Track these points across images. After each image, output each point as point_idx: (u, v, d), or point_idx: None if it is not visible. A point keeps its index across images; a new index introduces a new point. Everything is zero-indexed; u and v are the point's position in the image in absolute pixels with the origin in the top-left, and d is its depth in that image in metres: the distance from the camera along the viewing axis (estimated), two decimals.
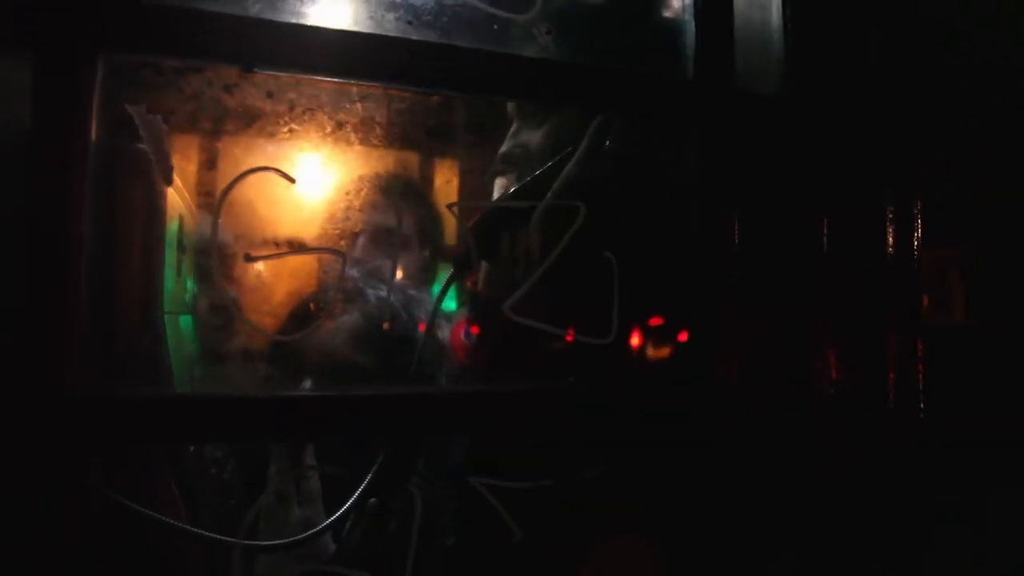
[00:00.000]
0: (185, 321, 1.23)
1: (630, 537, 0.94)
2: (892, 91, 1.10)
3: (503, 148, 1.14)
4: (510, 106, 1.15)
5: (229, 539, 0.81)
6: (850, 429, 1.05)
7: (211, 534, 0.83)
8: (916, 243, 1.14)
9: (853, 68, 1.09)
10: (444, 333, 1.35)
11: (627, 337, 0.95)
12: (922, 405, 1.13)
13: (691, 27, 0.98)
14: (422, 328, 1.38)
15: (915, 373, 1.12)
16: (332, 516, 1.04)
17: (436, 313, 1.21)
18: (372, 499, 1.07)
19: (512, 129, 1.14)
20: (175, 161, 0.96)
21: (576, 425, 0.92)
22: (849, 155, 1.08)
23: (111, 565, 0.77)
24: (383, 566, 0.91)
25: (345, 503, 1.03)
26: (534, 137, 1.10)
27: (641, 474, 0.95)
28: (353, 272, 1.44)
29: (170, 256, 1.06)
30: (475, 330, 1.27)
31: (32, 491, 0.67)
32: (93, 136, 0.73)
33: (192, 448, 1.05)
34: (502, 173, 1.17)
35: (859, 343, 1.07)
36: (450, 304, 1.66)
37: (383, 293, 1.36)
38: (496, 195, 1.16)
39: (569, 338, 0.93)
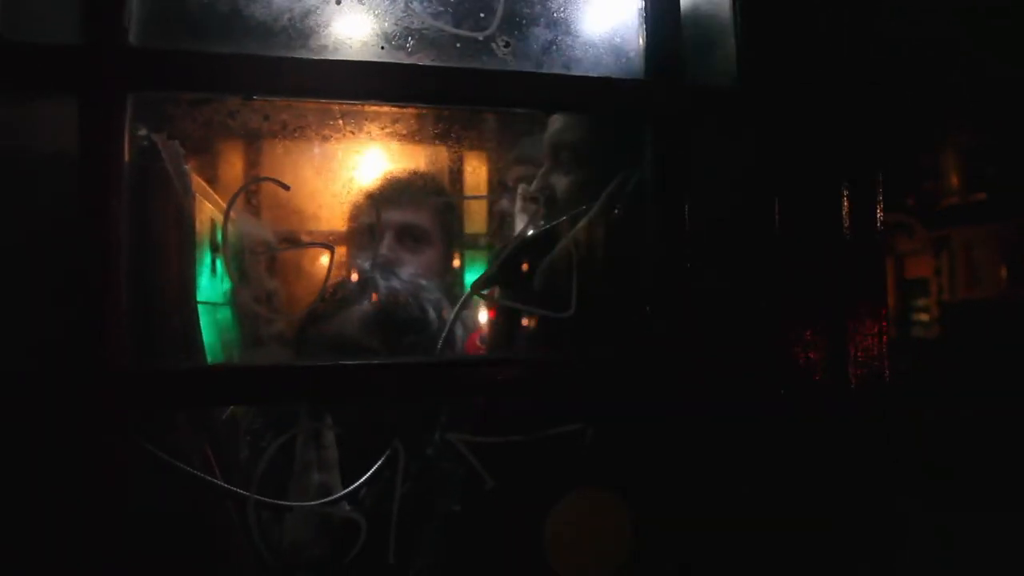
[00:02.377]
0: (223, 311, 1.42)
1: (599, 487, 1.06)
2: (846, 73, 1.17)
3: (532, 187, 1.28)
4: (545, 146, 1.29)
5: (246, 493, 0.98)
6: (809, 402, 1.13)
7: (231, 487, 1.00)
8: (878, 222, 1.20)
9: (807, 54, 1.16)
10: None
11: (586, 312, 1.07)
12: (886, 383, 1.19)
13: (641, 28, 1.08)
14: (444, 313, 1.53)
15: (880, 354, 1.18)
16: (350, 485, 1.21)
17: (452, 327, 1.35)
18: None
19: (543, 169, 1.28)
20: (210, 174, 1.14)
21: (548, 388, 1.05)
22: (806, 140, 1.16)
23: (149, 517, 0.95)
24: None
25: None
26: (561, 182, 1.24)
27: (607, 433, 1.08)
28: (366, 265, 1.60)
29: (204, 254, 1.24)
30: (492, 313, 1.41)
31: (78, 448, 0.85)
32: (126, 158, 0.91)
33: (227, 419, 1.23)
34: (525, 210, 1.32)
35: (817, 322, 1.15)
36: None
37: (392, 283, 1.51)
38: (519, 227, 1.31)
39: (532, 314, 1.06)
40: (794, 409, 1.12)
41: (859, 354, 1.17)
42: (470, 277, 1.85)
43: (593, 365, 1.02)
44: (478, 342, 1.36)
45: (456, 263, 1.85)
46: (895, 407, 1.20)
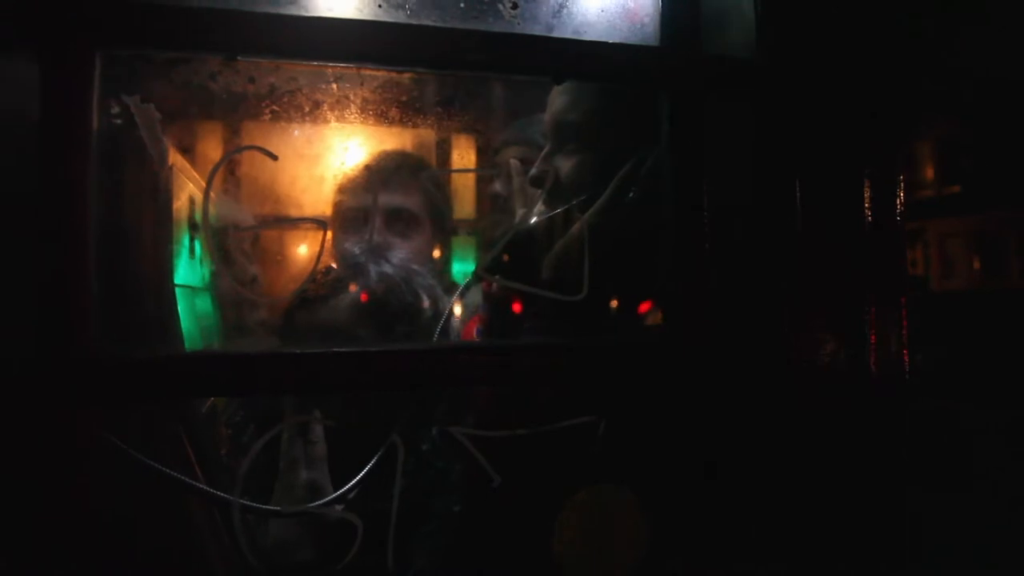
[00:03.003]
0: (203, 296, 1.32)
1: (610, 484, 0.99)
2: (870, 48, 1.11)
3: (534, 170, 1.20)
4: (546, 127, 1.21)
5: (227, 496, 0.89)
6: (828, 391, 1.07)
7: (210, 489, 0.91)
8: (899, 209, 1.15)
9: (830, 24, 1.10)
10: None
11: (598, 296, 1.00)
12: (907, 372, 1.14)
13: None
14: (437, 300, 1.45)
15: (899, 340, 1.13)
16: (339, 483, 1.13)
17: (449, 316, 1.27)
18: None
19: (545, 151, 1.20)
20: (189, 146, 1.05)
21: (558, 377, 0.98)
22: (827, 118, 1.10)
23: (119, 515, 0.86)
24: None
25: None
26: (565, 165, 1.16)
27: (620, 425, 1.01)
28: (355, 249, 1.51)
29: (181, 234, 1.15)
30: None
31: (42, 444, 0.76)
32: (94, 124, 0.82)
33: (207, 411, 1.14)
34: (528, 191, 1.24)
35: (838, 308, 1.09)
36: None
37: (384, 268, 1.43)
38: (520, 212, 1.23)
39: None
40: (813, 398, 1.07)
41: (879, 342, 1.12)
42: (459, 264, 1.77)
43: (607, 352, 0.95)
44: (475, 333, 1.28)
45: (446, 249, 1.78)
46: (915, 396, 1.16)
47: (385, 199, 1.62)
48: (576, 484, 0.96)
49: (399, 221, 1.63)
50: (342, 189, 1.54)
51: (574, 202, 1.07)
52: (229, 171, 1.45)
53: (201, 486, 0.91)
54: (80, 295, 0.80)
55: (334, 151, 1.54)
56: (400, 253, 1.56)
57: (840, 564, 1.05)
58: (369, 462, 1.06)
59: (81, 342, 0.79)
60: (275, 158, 0.89)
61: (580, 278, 0.98)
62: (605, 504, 0.97)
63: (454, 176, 1.80)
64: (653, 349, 0.97)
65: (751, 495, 1.06)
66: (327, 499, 1.11)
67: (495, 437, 0.96)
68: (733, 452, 1.02)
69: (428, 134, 1.73)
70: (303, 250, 1.55)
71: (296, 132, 1.36)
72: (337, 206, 1.58)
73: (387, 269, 1.42)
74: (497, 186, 1.60)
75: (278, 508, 1.01)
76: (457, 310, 1.41)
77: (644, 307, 1.05)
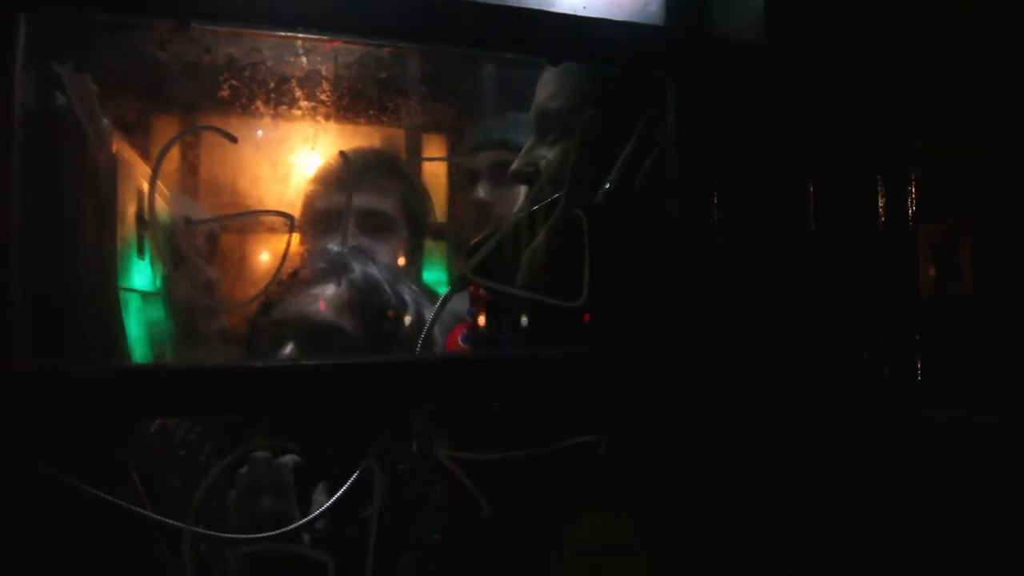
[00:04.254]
0: (155, 301, 1.19)
1: (611, 513, 0.89)
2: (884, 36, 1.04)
3: (515, 164, 1.12)
4: (529, 119, 1.13)
5: (178, 524, 0.77)
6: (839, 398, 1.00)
7: (159, 517, 0.79)
8: (911, 210, 1.09)
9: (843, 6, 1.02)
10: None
11: (598, 301, 0.90)
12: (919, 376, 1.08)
13: None
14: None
15: (911, 344, 1.07)
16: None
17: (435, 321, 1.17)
18: None
19: (527, 144, 1.11)
20: (136, 130, 0.92)
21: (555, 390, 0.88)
22: (841, 109, 1.02)
23: (61, 549, 0.73)
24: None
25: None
26: (547, 155, 1.07)
27: (622, 444, 0.91)
28: (334, 247, 1.40)
29: (128, 232, 1.02)
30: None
31: None
32: (16, 97, 0.69)
33: (157, 429, 1.01)
34: (513, 189, 1.14)
35: (846, 310, 1.02)
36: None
37: (368, 268, 1.32)
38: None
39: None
40: (826, 406, 0.99)
41: (893, 347, 1.05)
42: (434, 271, 1.67)
43: (610, 362, 0.85)
44: (460, 340, 1.17)
45: (422, 253, 1.68)
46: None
47: (358, 200, 1.50)
48: (575, 511, 0.86)
49: (372, 223, 1.52)
50: (310, 188, 1.43)
51: (555, 195, 0.97)
52: (186, 164, 1.32)
53: (146, 512, 0.79)
54: (3, 297, 0.67)
55: (302, 147, 1.42)
56: (376, 256, 1.46)
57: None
58: (341, 488, 0.94)
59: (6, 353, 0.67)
60: (234, 140, 0.77)
61: (568, 276, 0.88)
62: (609, 533, 0.87)
63: (429, 179, 1.70)
64: (658, 359, 0.87)
65: (763, 510, 0.98)
66: (291, 526, 0.99)
67: (485, 460, 0.85)
68: (743, 465, 0.94)
69: (399, 133, 1.62)
70: (267, 253, 1.43)
71: (260, 128, 1.24)
72: (306, 207, 1.47)
73: (371, 269, 1.31)
74: (481, 192, 1.51)
75: (234, 536, 0.88)
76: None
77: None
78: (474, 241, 1.07)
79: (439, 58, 1.01)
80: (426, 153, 1.73)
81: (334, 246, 1.42)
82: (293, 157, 1.41)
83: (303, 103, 0.95)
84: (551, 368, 0.85)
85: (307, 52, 0.86)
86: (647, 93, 0.95)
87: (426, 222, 1.65)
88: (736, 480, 0.89)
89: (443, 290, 1.40)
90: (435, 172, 1.68)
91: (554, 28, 0.86)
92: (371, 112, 0.95)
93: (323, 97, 0.90)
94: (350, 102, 0.92)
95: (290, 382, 0.79)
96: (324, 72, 0.88)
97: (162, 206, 1.21)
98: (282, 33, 0.79)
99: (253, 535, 0.91)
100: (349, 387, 0.80)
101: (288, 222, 0.82)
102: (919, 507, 1.08)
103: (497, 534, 0.85)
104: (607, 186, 0.97)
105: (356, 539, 0.88)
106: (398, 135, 1.63)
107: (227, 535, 0.87)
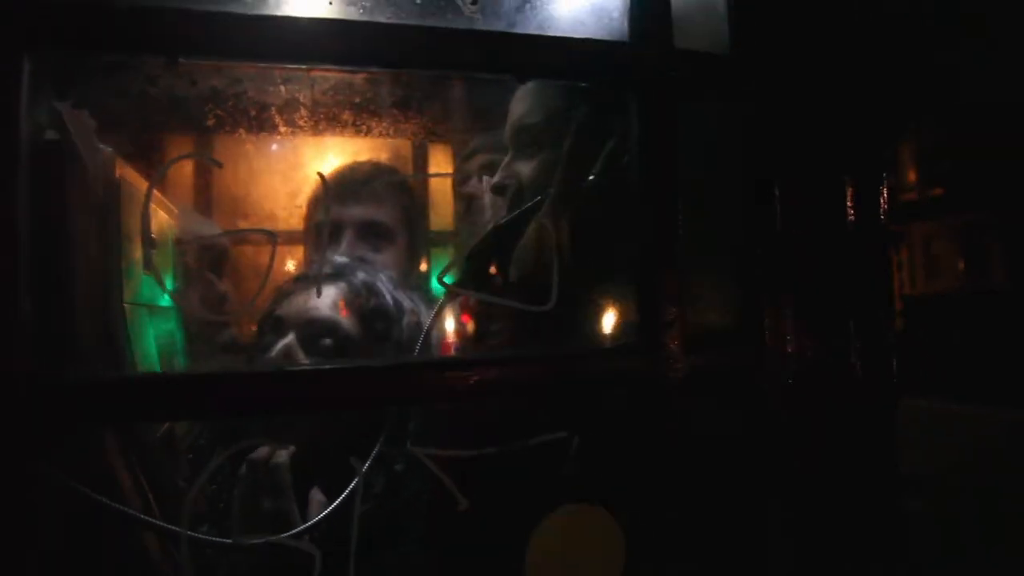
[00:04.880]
0: (164, 314, 1.27)
1: (585, 504, 0.94)
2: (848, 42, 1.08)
3: (496, 178, 1.17)
4: (506, 136, 1.18)
5: (173, 527, 0.83)
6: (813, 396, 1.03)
7: (155, 520, 0.85)
8: (882, 209, 1.12)
9: (805, 19, 1.06)
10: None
11: (569, 305, 0.95)
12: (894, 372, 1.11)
13: None
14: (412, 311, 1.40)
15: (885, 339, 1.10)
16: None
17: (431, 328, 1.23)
18: None
19: (506, 159, 1.17)
20: (140, 158, 0.99)
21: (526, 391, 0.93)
22: (805, 116, 1.06)
23: (63, 550, 0.80)
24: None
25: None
26: (525, 169, 1.12)
27: (595, 441, 0.96)
28: (337, 258, 1.47)
29: (132, 249, 1.09)
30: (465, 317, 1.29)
31: None
32: (23, 132, 0.76)
33: (163, 435, 1.08)
34: (493, 202, 1.20)
35: (816, 311, 1.05)
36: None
37: (366, 274, 1.39)
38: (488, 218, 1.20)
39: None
40: (796, 401, 1.02)
41: (864, 342, 1.08)
42: (429, 279, 1.73)
43: (574, 363, 0.90)
44: (453, 349, 1.23)
45: (423, 262, 1.73)
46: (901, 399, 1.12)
47: (356, 211, 1.57)
48: (548, 504, 0.91)
49: (371, 234, 1.58)
50: (310, 202, 1.50)
51: (529, 204, 1.02)
52: (198, 186, 1.40)
53: (141, 516, 0.85)
54: (5, 316, 0.74)
55: (300, 163, 1.50)
56: (375, 263, 1.52)
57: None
58: (332, 487, 1.00)
59: (11, 361, 0.73)
60: (219, 165, 0.84)
61: (544, 283, 0.93)
62: (579, 523, 0.91)
63: (432, 188, 1.76)
64: (624, 356, 0.92)
65: (736, 503, 1.02)
66: (292, 532, 1.05)
67: (465, 459, 0.90)
68: (711, 460, 0.97)
69: (405, 145, 1.69)
70: (272, 267, 1.49)
71: (266, 142, 1.32)
72: (307, 219, 1.54)
73: (368, 275, 1.38)
74: (471, 185, 1.56)
75: (229, 540, 0.94)
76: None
77: None
78: (468, 252, 1.13)
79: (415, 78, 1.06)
80: (432, 162, 1.79)
81: (336, 254, 1.50)
82: (295, 177, 1.48)
83: (304, 134, 1.01)
84: (521, 369, 0.90)
85: (285, 82, 0.92)
86: (615, 105, 1.00)
87: (424, 231, 1.71)
88: (701, 468, 0.93)
89: (440, 295, 1.46)
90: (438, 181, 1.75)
91: (520, 48, 0.92)
92: (354, 124, 1.00)
93: (302, 119, 0.96)
94: (328, 124, 0.98)
95: (279, 387, 0.85)
96: (302, 99, 0.94)
97: (171, 223, 1.28)
98: (262, 64, 0.86)
99: (247, 538, 0.97)
100: (334, 390, 0.85)
101: (271, 239, 0.87)
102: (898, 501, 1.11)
103: (475, 527, 0.90)
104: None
105: (346, 534, 0.93)
106: (404, 146, 1.70)
107: (220, 539, 0.92)
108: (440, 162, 1.78)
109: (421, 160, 1.78)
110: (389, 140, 1.50)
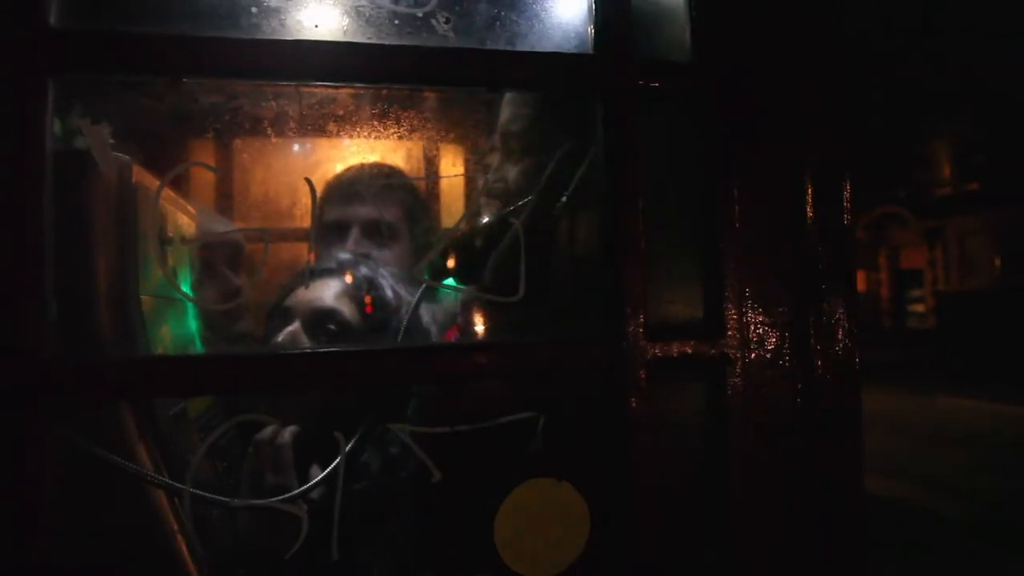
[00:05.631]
0: (179, 307, 1.39)
1: (549, 478, 1.02)
2: (808, 51, 1.14)
3: (487, 182, 1.26)
4: (496, 141, 1.27)
5: (179, 485, 0.94)
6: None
7: (161, 478, 0.96)
8: (845, 211, 1.17)
9: (765, 27, 1.13)
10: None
11: (534, 295, 1.04)
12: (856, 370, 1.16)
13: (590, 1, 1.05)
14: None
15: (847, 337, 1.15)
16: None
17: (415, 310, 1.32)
18: None
19: (495, 164, 1.26)
20: (154, 164, 1.11)
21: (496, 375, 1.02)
22: (763, 118, 1.13)
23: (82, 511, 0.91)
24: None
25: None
26: (512, 172, 1.22)
27: (559, 422, 1.04)
28: (342, 254, 1.58)
29: (148, 247, 1.21)
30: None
31: (6, 444, 0.82)
32: (48, 144, 0.88)
33: (176, 414, 1.20)
34: (486, 204, 1.30)
35: (780, 305, 1.12)
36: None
37: (368, 269, 1.50)
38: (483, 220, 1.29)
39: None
40: (753, 404, 1.09)
41: (823, 347, 1.14)
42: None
43: (536, 350, 0.99)
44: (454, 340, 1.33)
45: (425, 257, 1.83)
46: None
47: (362, 211, 1.68)
48: (516, 478, 1.00)
49: (376, 232, 1.69)
50: (318, 202, 1.61)
51: (511, 208, 1.11)
52: (220, 186, 1.51)
53: (153, 476, 0.96)
54: (33, 305, 0.85)
55: (310, 165, 1.61)
56: (379, 260, 1.63)
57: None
58: (327, 461, 1.11)
59: (36, 349, 0.85)
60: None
61: (518, 279, 1.02)
62: (544, 497, 1.00)
63: (442, 186, 1.86)
64: (586, 347, 1.01)
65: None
66: (289, 495, 1.15)
67: (435, 433, 1.00)
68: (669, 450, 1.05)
69: (413, 145, 1.79)
70: (283, 264, 1.62)
71: (280, 146, 1.43)
72: (315, 218, 1.65)
73: (369, 270, 1.49)
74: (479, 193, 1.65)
75: (228, 499, 1.05)
76: (425, 316, 1.46)
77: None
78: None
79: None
80: (443, 161, 1.89)
81: (342, 251, 1.62)
82: (302, 177, 1.59)
83: (307, 137, 1.11)
84: (498, 356, 0.99)
85: (275, 98, 1.03)
86: (582, 112, 1.08)
87: (430, 229, 1.81)
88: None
89: (440, 291, 1.56)
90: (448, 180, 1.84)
91: (491, 63, 1.01)
92: (337, 133, 1.10)
93: (291, 130, 1.06)
94: (315, 133, 1.08)
95: (279, 368, 0.96)
96: (291, 112, 1.05)
97: (189, 222, 1.40)
98: (257, 82, 0.96)
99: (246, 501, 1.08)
100: (319, 372, 0.96)
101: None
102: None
103: (451, 496, 1.00)
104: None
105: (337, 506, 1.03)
106: (415, 147, 1.80)
107: (221, 498, 1.03)
108: (447, 163, 1.87)
109: (428, 160, 1.88)
110: (398, 142, 1.60)
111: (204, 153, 1.22)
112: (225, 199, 1.52)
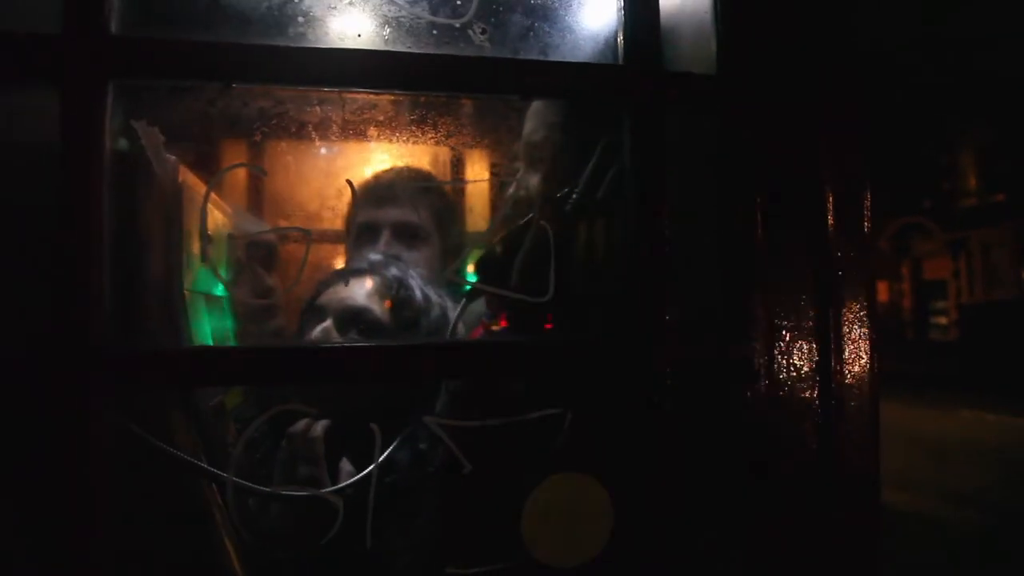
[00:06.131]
0: (219, 303, 1.44)
1: (577, 473, 1.06)
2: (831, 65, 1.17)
3: (509, 191, 1.31)
4: (520, 151, 1.32)
5: (221, 473, 0.99)
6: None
7: (206, 466, 1.01)
8: (866, 224, 1.20)
9: (788, 40, 1.16)
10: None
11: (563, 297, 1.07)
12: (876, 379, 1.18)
13: (620, 13, 1.08)
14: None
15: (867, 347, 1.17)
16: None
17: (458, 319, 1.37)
18: None
19: (519, 173, 1.30)
20: (201, 166, 1.16)
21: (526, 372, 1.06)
22: (788, 131, 1.16)
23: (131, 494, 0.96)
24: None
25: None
26: (534, 181, 1.26)
27: (585, 419, 1.08)
28: (372, 255, 1.63)
29: (192, 244, 1.26)
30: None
31: (62, 428, 0.87)
32: (108, 145, 0.93)
33: (215, 405, 1.25)
34: (511, 213, 1.34)
35: (802, 314, 1.14)
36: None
37: (398, 269, 1.55)
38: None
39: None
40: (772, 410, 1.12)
41: (845, 358, 1.16)
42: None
43: (566, 351, 1.02)
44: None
45: (457, 260, 1.87)
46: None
47: (393, 213, 1.73)
48: (543, 472, 1.03)
49: (406, 234, 1.74)
50: (351, 204, 1.66)
51: (531, 213, 1.15)
52: (251, 189, 1.57)
53: (198, 463, 1.01)
54: (97, 297, 0.91)
55: (343, 168, 1.66)
56: (409, 261, 1.68)
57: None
58: (363, 459, 1.15)
59: (91, 337, 0.90)
60: (264, 174, 0.99)
61: (546, 280, 1.06)
62: (569, 487, 1.04)
63: (469, 191, 1.90)
64: (610, 349, 1.04)
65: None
66: (323, 490, 1.20)
67: (469, 427, 1.04)
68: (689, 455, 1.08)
69: (443, 150, 1.83)
70: (316, 261, 1.67)
71: (318, 150, 1.48)
72: (348, 220, 1.71)
73: (400, 270, 1.54)
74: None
75: (268, 490, 1.09)
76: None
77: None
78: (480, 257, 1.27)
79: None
80: (468, 167, 1.93)
81: (373, 252, 1.67)
82: (337, 180, 1.65)
83: (337, 141, 1.16)
84: (525, 353, 1.03)
85: (320, 103, 1.08)
86: (608, 121, 1.12)
87: (458, 232, 1.86)
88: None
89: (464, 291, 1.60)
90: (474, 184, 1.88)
91: (524, 72, 1.05)
92: (378, 138, 1.15)
93: (334, 134, 1.11)
94: (356, 137, 1.13)
95: (314, 361, 1.00)
96: (334, 117, 1.10)
97: (225, 222, 1.46)
98: (302, 88, 1.01)
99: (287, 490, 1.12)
100: (357, 366, 1.00)
101: (305, 236, 1.02)
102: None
103: (478, 490, 1.04)
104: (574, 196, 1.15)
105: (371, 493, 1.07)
106: (443, 151, 1.84)
107: (260, 487, 1.08)
108: (476, 168, 1.91)
109: (458, 165, 1.92)
110: (429, 147, 1.65)
111: (244, 155, 1.27)
112: (262, 199, 1.58)
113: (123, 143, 0.96)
